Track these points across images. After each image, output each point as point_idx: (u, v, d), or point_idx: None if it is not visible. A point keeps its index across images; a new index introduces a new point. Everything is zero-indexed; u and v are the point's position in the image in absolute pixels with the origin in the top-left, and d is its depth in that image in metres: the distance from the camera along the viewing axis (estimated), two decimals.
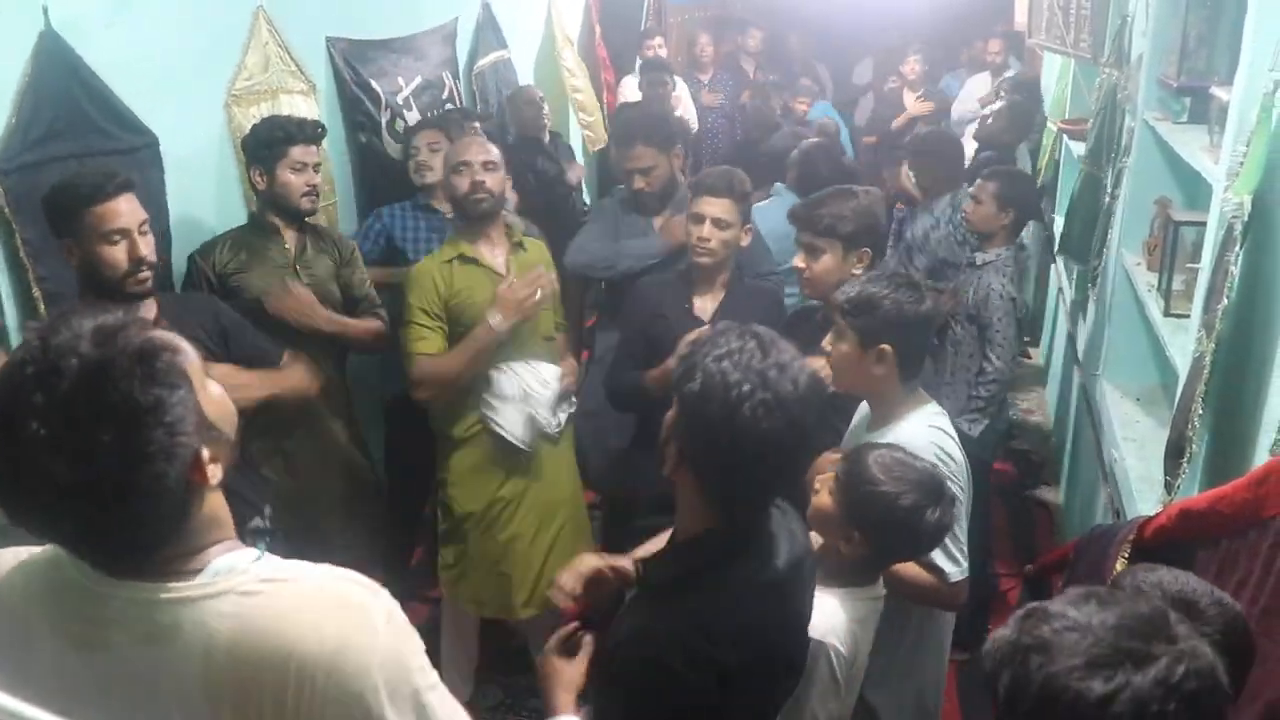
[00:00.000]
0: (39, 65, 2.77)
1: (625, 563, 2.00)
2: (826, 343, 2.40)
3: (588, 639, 1.84)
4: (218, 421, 1.22)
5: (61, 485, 1.06)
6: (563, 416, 3.32)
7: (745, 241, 3.20)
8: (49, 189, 2.51)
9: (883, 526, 2.00)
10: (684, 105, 6.87)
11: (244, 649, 1.16)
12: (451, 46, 5.22)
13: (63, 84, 2.83)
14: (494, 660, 3.73)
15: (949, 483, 2.09)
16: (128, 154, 3.02)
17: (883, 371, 2.32)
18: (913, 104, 7.70)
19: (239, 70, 3.63)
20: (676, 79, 6.87)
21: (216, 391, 1.25)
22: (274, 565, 1.25)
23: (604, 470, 3.63)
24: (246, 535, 2.60)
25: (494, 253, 3.26)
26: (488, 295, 3.13)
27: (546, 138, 5.48)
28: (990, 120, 5.87)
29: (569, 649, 1.84)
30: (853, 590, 2.05)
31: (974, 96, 7.17)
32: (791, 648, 1.79)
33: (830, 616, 1.98)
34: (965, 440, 3.43)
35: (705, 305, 3.16)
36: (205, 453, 1.17)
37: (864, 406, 2.52)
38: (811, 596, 1.86)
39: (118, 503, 1.09)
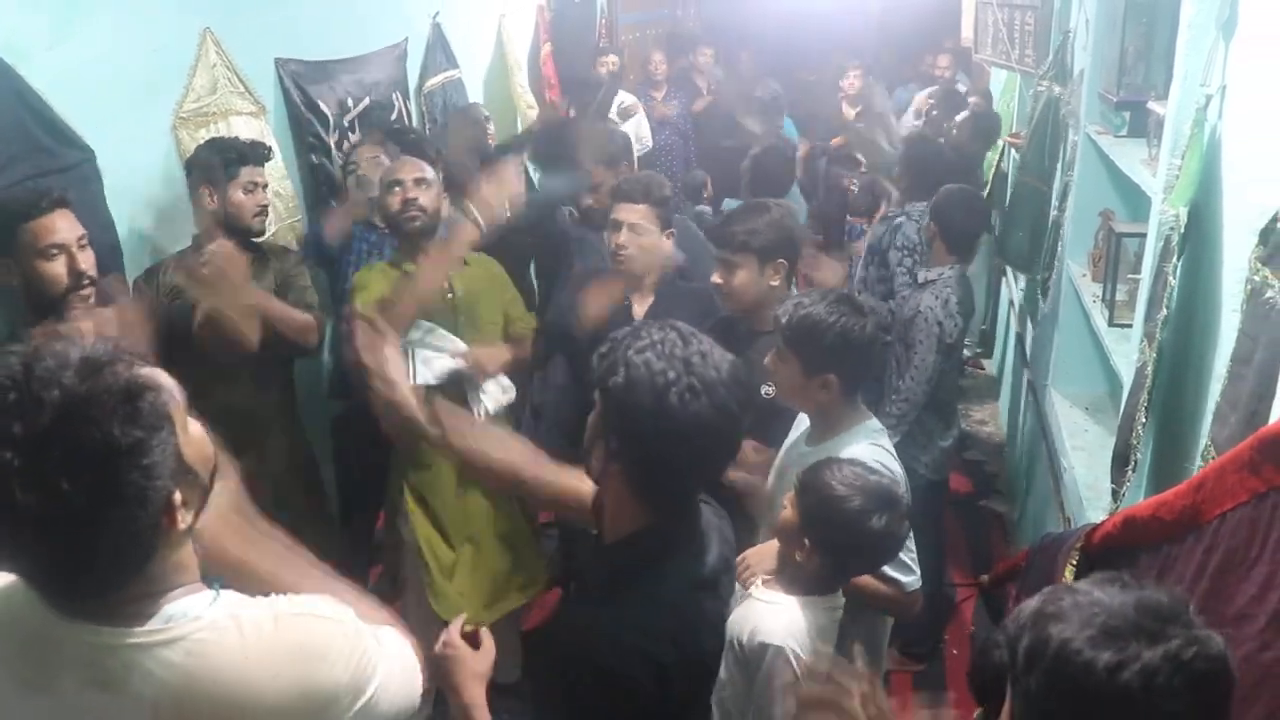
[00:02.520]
0: None
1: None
2: (770, 361, 2.42)
3: (488, 633, 1.85)
4: (195, 464, 1.19)
5: (27, 517, 1.03)
6: (486, 403, 3.29)
7: (667, 246, 3.22)
8: None
9: (842, 544, 2.04)
10: (638, 122, 6.88)
11: (192, 701, 1.14)
12: (402, 67, 5.21)
13: (12, 110, 2.80)
14: None
15: (902, 497, 2.13)
16: (68, 170, 2.98)
17: (826, 397, 2.36)
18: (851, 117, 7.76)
19: (187, 92, 3.61)
20: (629, 96, 6.89)
21: (196, 433, 1.21)
22: (229, 607, 1.21)
23: None
24: None
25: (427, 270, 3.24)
26: (434, 311, 3.14)
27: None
28: (955, 130, 5.92)
29: (472, 641, 1.83)
30: (812, 600, 2.08)
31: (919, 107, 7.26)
32: (720, 643, 1.83)
33: (789, 621, 2.02)
34: (912, 461, 3.49)
35: (639, 307, 3.18)
36: (178, 496, 1.14)
37: (803, 417, 2.55)
38: (731, 589, 1.89)
39: (83, 541, 1.07)
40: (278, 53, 4.18)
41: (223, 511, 1.42)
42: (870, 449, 2.31)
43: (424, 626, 3.54)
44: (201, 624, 1.18)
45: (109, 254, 3.18)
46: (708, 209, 6.52)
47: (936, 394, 3.62)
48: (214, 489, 1.40)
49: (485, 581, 3.37)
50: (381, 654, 1.30)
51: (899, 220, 4.37)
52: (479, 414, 3.27)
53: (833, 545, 2.04)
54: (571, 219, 3.97)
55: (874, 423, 2.44)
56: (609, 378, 1.60)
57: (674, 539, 1.69)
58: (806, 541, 2.05)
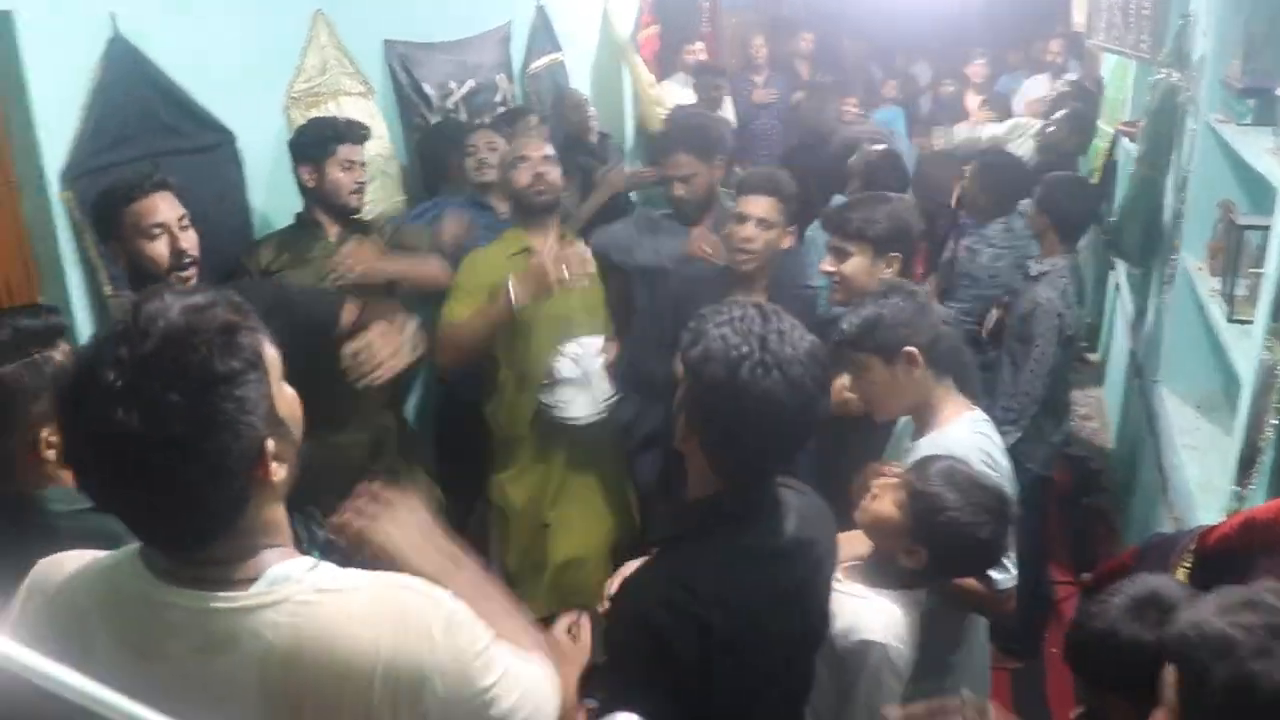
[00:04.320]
0: (107, 71, 2.84)
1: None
2: (854, 388, 2.41)
3: (587, 626, 1.85)
4: (287, 419, 1.21)
5: (129, 440, 1.06)
6: (609, 390, 3.30)
7: (787, 243, 3.16)
8: (93, 198, 2.59)
9: (951, 549, 2.02)
10: (725, 106, 6.82)
11: (299, 660, 1.16)
12: (505, 50, 5.26)
13: (133, 88, 2.90)
14: None
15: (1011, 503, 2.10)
16: (204, 151, 3.09)
17: (917, 374, 2.31)
18: (977, 110, 7.59)
19: (298, 73, 3.69)
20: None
21: (289, 391, 1.25)
22: (330, 574, 1.24)
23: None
24: (305, 522, 2.65)
25: (550, 247, 3.24)
26: None
27: (594, 139, 5.49)
28: (1052, 129, 5.77)
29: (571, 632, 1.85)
30: (902, 594, 2.06)
31: (1031, 99, 7.07)
32: (785, 624, 1.78)
33: (888, 617, 2.00)
34: (1022, 457, 3.41)
35: None
36: (270, 445, 1.17)
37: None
38: (821, 583, 1.88)
39: (179, 470, 1.09)
40: (386, 34, 4.26)
41: (413, 535, 1.47)
42: (976, 438, 2.27)
43: None
44: (303, 587, 1.20)
45: (242, 235, 3.31)
46: None
47: (1051, 389, 3.53)
48: (404, 514, 1.47)
49: (580, 574, 3.39)
50: (510, 662, 1.31)
51: (976, 245, 4.26)
52: (609, 394, 3.28)
53: (937, 550, 2.02)
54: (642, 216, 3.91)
55: (978, 413, 2.38)
56: (690, 349, 1.66)
57: (742, 508, 1.72)
58: (922, 550, 2.03)
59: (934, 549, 2.02)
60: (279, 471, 1.19)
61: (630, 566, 2.01)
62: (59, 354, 1.68)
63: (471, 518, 3.98)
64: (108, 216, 2.53)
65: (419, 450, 3.65)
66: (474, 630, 1.27)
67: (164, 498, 1.12)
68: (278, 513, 1.25)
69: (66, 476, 1.62)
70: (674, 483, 3.13)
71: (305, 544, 2.67)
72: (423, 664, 1.19)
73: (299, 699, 1.16)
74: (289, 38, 3.68)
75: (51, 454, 1.61)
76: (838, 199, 4.50)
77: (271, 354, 1.20)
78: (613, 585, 1.97)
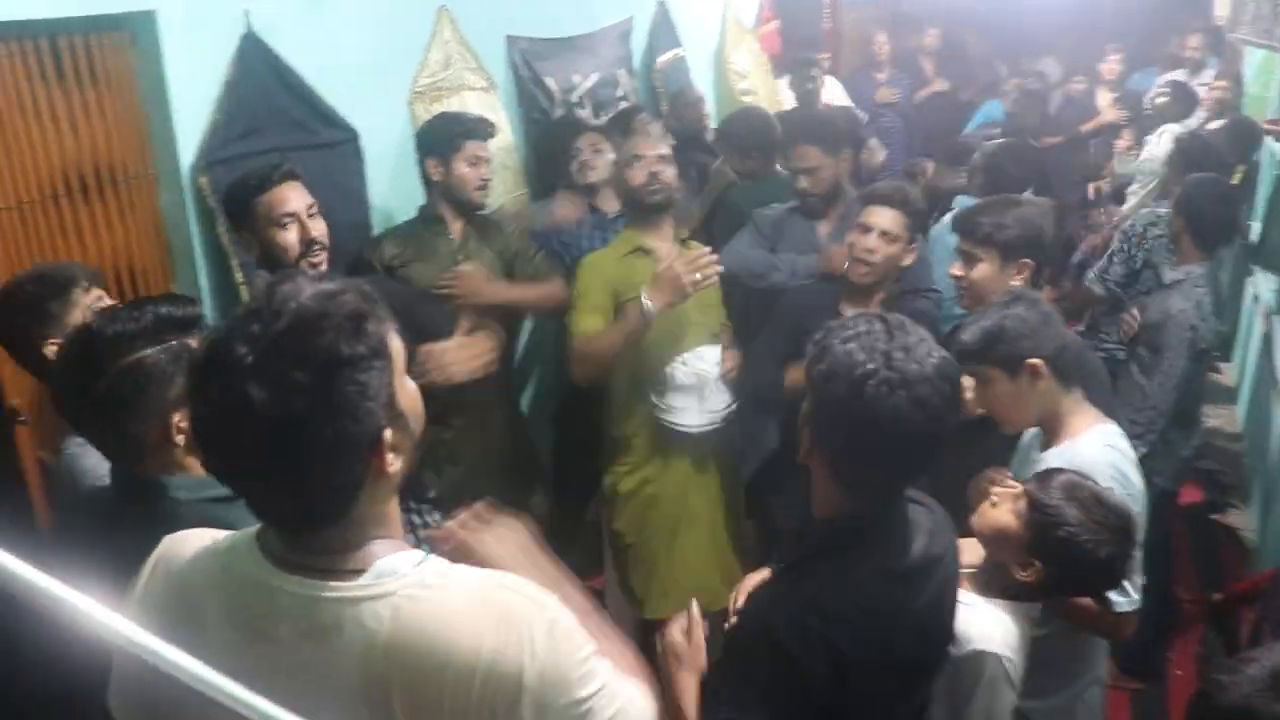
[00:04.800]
0: (241, 66, 2.94)
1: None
2: (977, 400, 2.31)
3: (699, 618, 1.84)
4: (407, 412, 1.23)
5: (253, 415, 1.09)
6: (727, 400, 3.27)
7: (909, 261, 3.09)
8: (225, 188, 2.68)
9: (1068, 567, 1.94)
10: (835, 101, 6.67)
11: (401, 654, 1.17)
12: (627, 45, 5.27)
13: (264, 83, 3.01)
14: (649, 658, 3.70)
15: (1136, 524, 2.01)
16: (328, 148, 3.18)
17: (1042, 386, 2.22)
18: (1107, 108, 7.34)
19: (422, 68, 3.75)
20: (826, 76, 6.66)
21: (411, 385, 1.26)
22: (438, 569, 1.24)
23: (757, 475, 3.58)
24: (410, 514, 2.71)
25: (664, 248, 3.25)
26: None
27: (710, 136, 5.45)
28: (1154, 110, 5.52)
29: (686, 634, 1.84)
30: (1018, 607, 1.99)
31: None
32: (916, 646, 1.73)
33: (1000, 628, 1.93)
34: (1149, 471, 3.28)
35: None
36: (388, 435, 1.18)
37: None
38: (948, 600, 1.81)
39: (299, 447, 1.11)
40: (508, 30, 4.30)
41: (515, 553, 1.48)
42: (1106, 452, 2.18)
43: (619, 616, 3.59)
44: (409, 581, 1.20)
45: (363, 230, 3.39)
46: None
47: (1181, 401, 3.39)
48: (507, 533, 1.49)
49: (690, 580, 3.35)
50: (610, 676, 1.29)
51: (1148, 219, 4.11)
52: (728, 405, 3.25)
53: (1053, 566, 1.95)
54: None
55: (1111, 426, 2.28)
56: (815, 365, 1.64)
57: (872, 527, 1.68)
58: (1037, 565, 1.95)
59: (1049, 565, 1.94)
60: (394, 463, 1.20)
61: (754, 580, 1.99)
62: (195, 342, 1.72)
63: (588, 511, 4.01)
64: (240, 206, 2.61)
65: (529, 441, 3.67)
66: (577, 639, 1.26)
67: (282, 476, 1.14)
68: (390, 505, 1.27)
69: (193, 465, 1.66)
70: (792, 497, 3.15)
71: (409, 533, 2.72)
72: (523, 667, 1.18)
73: (398, 693, 1.17)
74: (413, 33, 3.75)
75: (181, 440, 1.66)
76: (959, 201, 4.39)
77: (397, 345, 1.22)
78: (738, 599, 1.94)
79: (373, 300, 1.20)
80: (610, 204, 3.88)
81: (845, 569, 1.65)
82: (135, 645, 0.69)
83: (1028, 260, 2.72)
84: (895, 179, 5.73)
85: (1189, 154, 4.31)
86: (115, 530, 1.60)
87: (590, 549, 3.82)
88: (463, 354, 2.78)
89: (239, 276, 2.91)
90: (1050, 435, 2.29)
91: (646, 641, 3.60)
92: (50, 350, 2.12)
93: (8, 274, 2.40)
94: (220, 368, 1.12)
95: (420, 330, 2.74)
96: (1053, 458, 2.20)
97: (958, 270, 2.77)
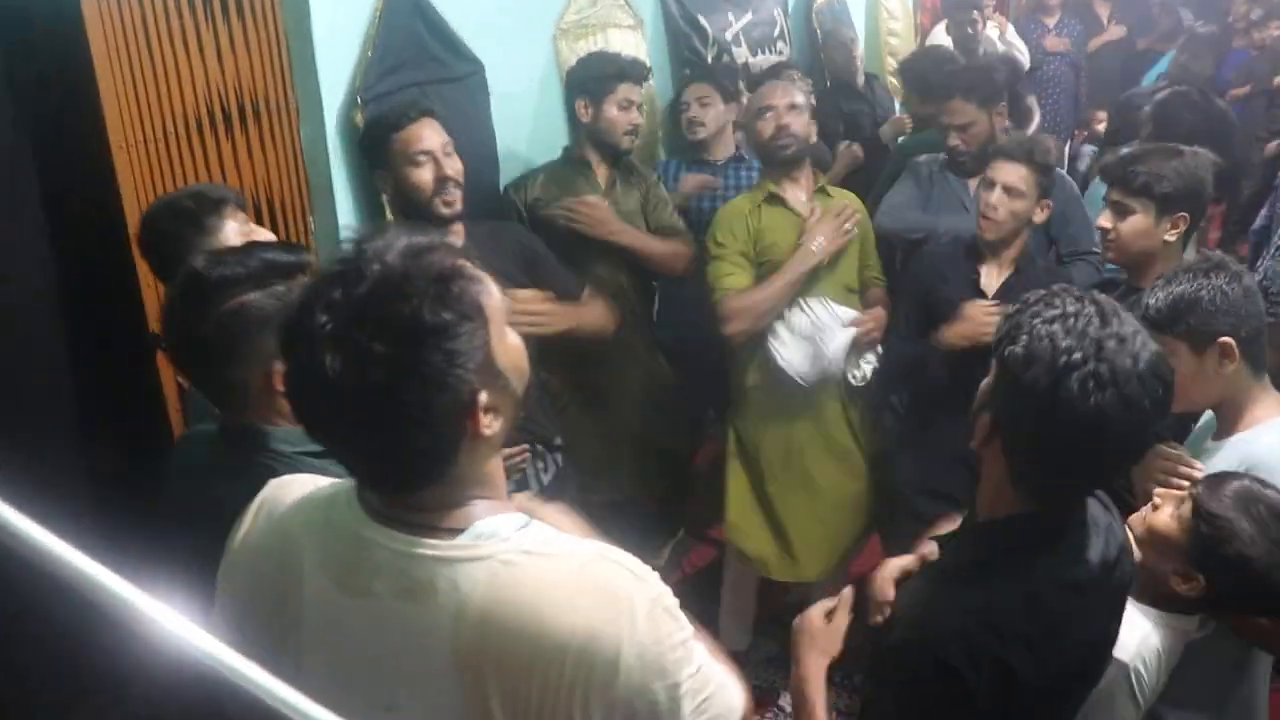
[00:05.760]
0: (389, 3, 2.90)
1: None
2: None
3: (847, 604, 1.73)
4: (506, 370, 1.17)
5: (334, 384, 1.06)
6: (865, 369, 3.14)
7: (1040, 218, 2.91)
8: (362, 128, 2.66)
9: (1238, 588, 1.73)
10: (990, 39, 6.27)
11: (495, 619, 1.12)
12: None
13: (408, 18, 2.97)
14: (774, 612, 3.65)
15: None
16: (459, 80, 3.14)
17: (1231, 368, 2.00)
18: None
19: (568, 4, 3.67)
20: (995, 16, 6.27)
21: (514, 341, 1.20)
22: (539, 536, 1.19)
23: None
24: (535, 460, 2.68)
25: (800, 198, 3.13)
26: (791, 239, 3.04)
27: (860, 80, 5.21)
28: None
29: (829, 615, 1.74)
30: (1169, 617, 1.81)
31: None
32: (1088, 658, 1.59)
33: (1142, 638, 1.77)
34: None
35: (990, 280, 2.92)
36: (484, 397, 1.12)
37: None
38: (1119, 607, 1.64)
39: (385, 419, 1.08)
40: None
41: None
42: None
43: (741, 581, 3.52)
44: (509, 545, 1.15)
45: (489, 165, 3.32)
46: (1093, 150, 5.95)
47: None
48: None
49: (813, 537, 3.27)
50: (706, 659, 1.23)
51: None
52: (862, 374, 3.14)
53: (1219, 583, 1.74)
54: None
55: None
56: (1007, 345, 1.43)
57: (1048, 532, 1.50)
58: (1201, 580, 1.75)
59: (1215, 582, 1.74)
60: (493, 424, 1.15)
61: (895, 566, 1.79)
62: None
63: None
64: (376, 144, 2.58)
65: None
66: (678, 619, 1.19)
67: (370, 444, 1.11)
68: (492, 464, 1.22)
69: None
70: (910, 471, 3.03)
71: (533, 480, 2.69)
72: (621, 643, 1.12)
73: (489, 659, 1.12)
74: None
75: (284, 388, 1.63)
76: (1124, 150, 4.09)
77: (495, 302, 1.15)
78: (883, 589, 1.76)
79: (465, 256, 1.14)
80: (722, 151, 3.79)
81: (1021, 579, 1.47)
82: (209, 658, 0.64)
83: (1185, 214, 2.50)
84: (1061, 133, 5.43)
85: None
86: (216, 477, 1.60)
87: (711, 501, 3.75)
88: (555, 311, 2.67)
89: (390, 217, 2.90)
90: (1228, 422, 2.08)
91: (765, 593, 3.58)
92: None
93: None
94: (301, 334, 1.08)
95: (549, 289, 2.73)
96: (1229, 450, 2.00)
97: (1106, 221, 2.55)
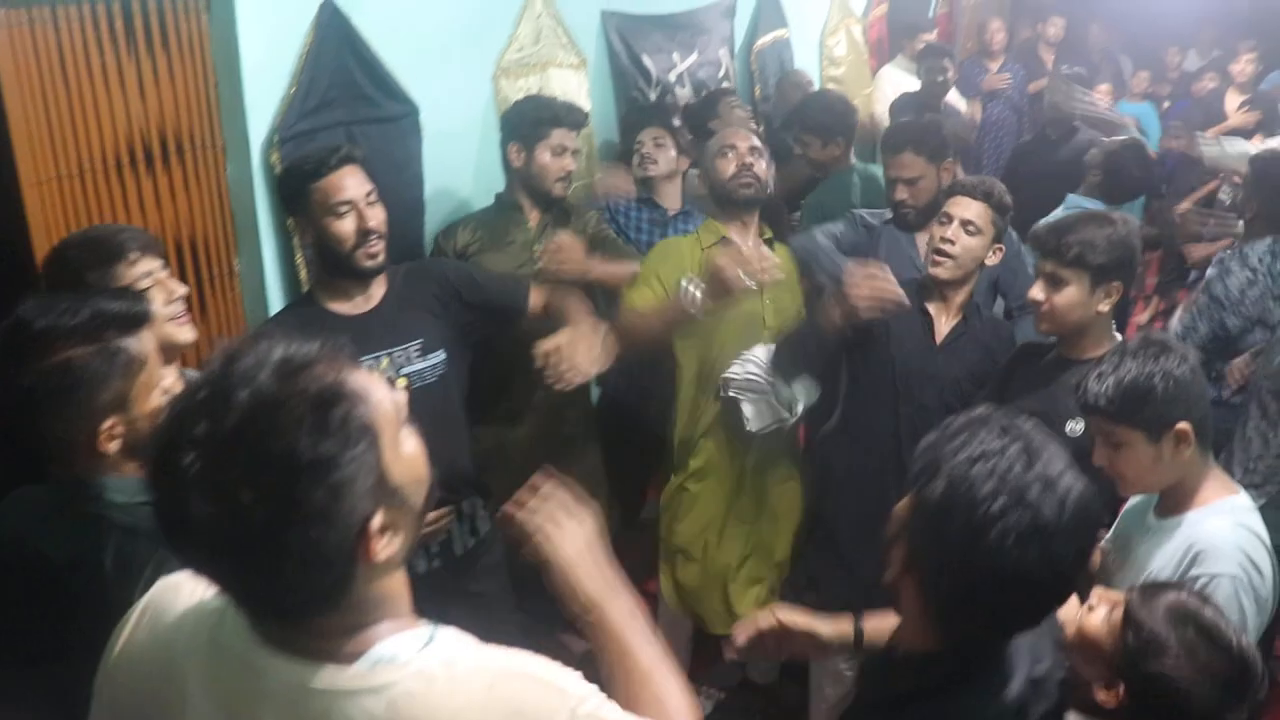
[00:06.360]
0: (319, 36, 2.83)
1: (817, 626, 1.83)
2: (1101, 458, 2.03)
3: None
4: (404, 486, 1.07)
5: (205, 530, 0.97)
6: (797, 406, 3.05)
7: (993, 260, 2.87)
8: (281, 170, 2.54)
9: (1158, 705, 1.65)
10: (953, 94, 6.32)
11: None
12: (729, 24, 5.07)
13: (338, 54, 2.89)
14: (706, 670, 3.60)
15: (1255, 658, 1.68)
16: (390, 122, 3.06)
17: (1187, 453, 1.96)
18: (1235, 112, 6.85)
19: (510, 42, 3.60)
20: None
21: (410, 449, 1.11)
22: (445, 654, 1.10)
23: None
24: (459, 521, 2.61)
25: (749, 244, 3.07)
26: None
27: None
28: None
29: None
30: None
31: None
32: None
33: None
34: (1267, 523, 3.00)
35: (939, 326, 2.86)
36: (378, 520, 1.03)
37: None
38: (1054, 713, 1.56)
39: (266, 561, 0.98)
40: (604, 5, 4.13)
41: (577, 547, 1.36)
42: (1238, 535, 1.92)
43: (674, 633, 3.45)
44: (410, 671, 1.06)
45: (415, 212, 3.24)
46: None
47: None
48: (573, 524, 1.36)
49: (747, 591, 3.22)
50: None
51: (1230, 263, 3.65)
52: (794, 409, 3.05)
53: (1137, 698, 1.67)
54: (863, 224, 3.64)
55: (1243, 499, 2.02)
56: (924, 483, 1.32)
57: (973, 664, 1.41)
58: (1122, 691, 1.68)
59: (1135, 695, 1.67)
60: (391, 544, 1.06)
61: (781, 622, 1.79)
62: (138, 343, 1.58)
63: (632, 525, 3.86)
64: (294, 192, 2.45)
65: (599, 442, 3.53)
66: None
67: (249, 584, 1.02)
68: (392, 583, 1.12)
69: (129, 467, 1.55)
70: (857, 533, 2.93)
71: (463, 536, 2.61)
72: None
73: None
74: (503, 5, 3.60)
75: (114, 446, 1.53)
76: (1070, 199, 4.11)
77: (386, 412, 1.06)
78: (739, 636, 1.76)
79: (349, 363, 1.05)
80: (671, 201, 3.71)
81: (941, 714, 1.39)
82: None
83: (1118, 283, 2.48)
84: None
85: (1269, 176, 3.74)
86: (46, 531, 1.51)
87: (644, 553, 3.67)
88: (586, 346, 2.49)
89: (299, 259, 2.80)
90: (1174, 501, 2.03)
91: (698, 651, 3.52)
92: None
93: None
94: (163, 473, 0.98)
95: (492, 311, 2.66)
96: (1174, 529, 1.96)
97: (1039, 293, 2.51)
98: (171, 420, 1.01)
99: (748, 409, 2.99)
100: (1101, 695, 1.70)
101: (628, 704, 1.18)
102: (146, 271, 2.06)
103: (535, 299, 2.71)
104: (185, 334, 2.07)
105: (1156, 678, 1.63)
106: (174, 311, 2.06)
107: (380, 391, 1.07)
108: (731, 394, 2.99)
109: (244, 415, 0.96)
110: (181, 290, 2.11)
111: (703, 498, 3.19)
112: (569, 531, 1.37)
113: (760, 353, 2.99)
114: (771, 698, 3.61)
